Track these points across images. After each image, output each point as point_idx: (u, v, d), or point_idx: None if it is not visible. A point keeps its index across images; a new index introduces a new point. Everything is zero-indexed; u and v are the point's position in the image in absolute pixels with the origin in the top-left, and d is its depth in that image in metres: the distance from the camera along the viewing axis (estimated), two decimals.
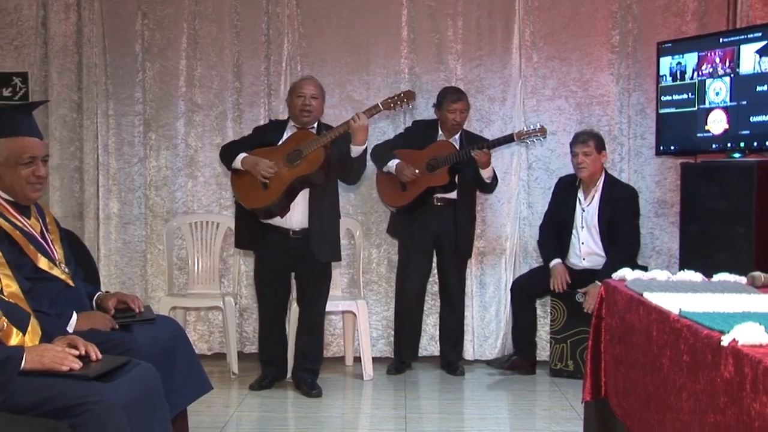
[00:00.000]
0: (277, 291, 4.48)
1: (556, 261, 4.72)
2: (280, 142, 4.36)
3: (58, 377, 2.31)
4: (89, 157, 5.18)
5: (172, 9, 5.18)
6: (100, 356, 2.49)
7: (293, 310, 4.56)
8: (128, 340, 2.80)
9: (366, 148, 4.30)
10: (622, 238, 4.62)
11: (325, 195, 4.35)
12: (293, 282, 4.57)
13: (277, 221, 4.31)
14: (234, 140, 4.67)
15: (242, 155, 4.31)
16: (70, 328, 2.77)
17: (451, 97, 4.75)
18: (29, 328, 2.47)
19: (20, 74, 5.21)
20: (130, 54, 5.18)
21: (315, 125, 4.41)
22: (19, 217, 2.83)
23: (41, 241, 2.88)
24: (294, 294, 4.59)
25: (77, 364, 2.37)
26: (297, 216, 4.31)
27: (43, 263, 2.83)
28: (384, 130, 5.13)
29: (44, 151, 2.91)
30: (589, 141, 4.61)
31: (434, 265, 4.97)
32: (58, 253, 2.94)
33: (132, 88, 5.21)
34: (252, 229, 4.39)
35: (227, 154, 4.40)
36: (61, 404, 2.23)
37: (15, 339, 2.41)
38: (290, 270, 4.49)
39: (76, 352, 2.43)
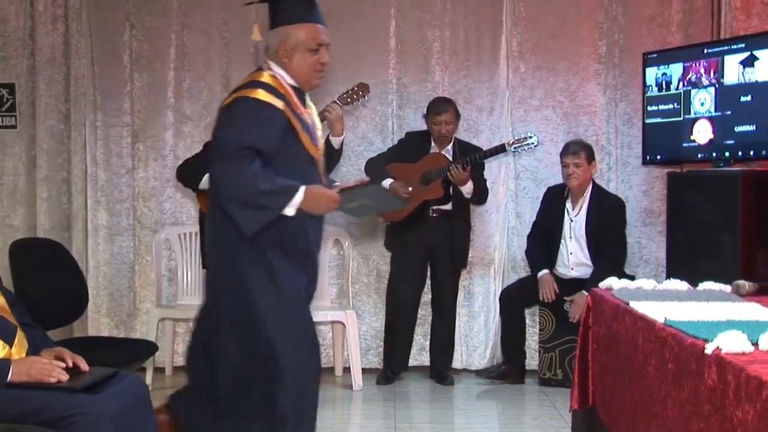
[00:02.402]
0: None
1: (543, 272, 4.73)
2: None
3: (45, 389, 2.31)
4: (77, 168, 5.16)
5: (160, 20, 5.18)
6: (87, 367, 2.49)
7: None
8: None
9: (344, 138, 4.17)
10: (609, 247, 4.63)
11: None
12: None
13: None
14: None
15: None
16: (294, 206, 2.76)
17: (435, 108, 4.76)
18: (15, 340, 2.46)
19: (7, 85, 5.18)
20: (118, 65, 5.18)
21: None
22: (298, 104, 2.88)
23: (312, 130, 2.94)
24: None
25: (65, 376, 2.38)
26: None
27: (311, 149, 2.91)
28: (372, 140, 5.14)
29: (329, 39, 2.94)
30: (579, 152, 4.63)
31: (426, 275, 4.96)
32: (320, 142, 3.03)
33: (120, 100, 5.20)
34: None
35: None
36: (49, 416, 2.24)
37: (1, 352, 2.41)
38: None
39: (63, 365, 2.43)
